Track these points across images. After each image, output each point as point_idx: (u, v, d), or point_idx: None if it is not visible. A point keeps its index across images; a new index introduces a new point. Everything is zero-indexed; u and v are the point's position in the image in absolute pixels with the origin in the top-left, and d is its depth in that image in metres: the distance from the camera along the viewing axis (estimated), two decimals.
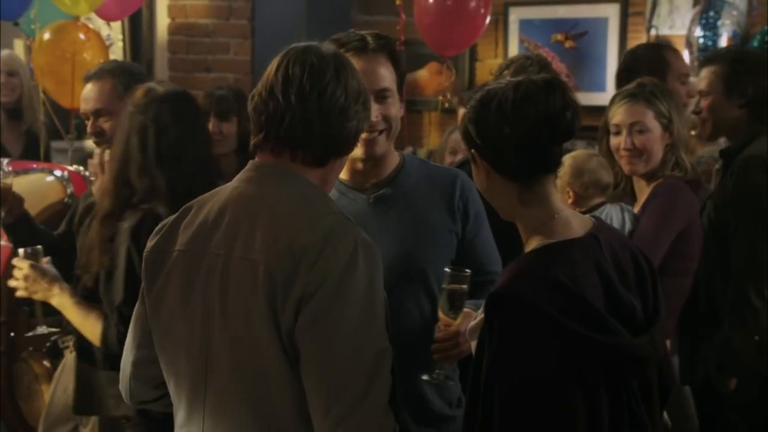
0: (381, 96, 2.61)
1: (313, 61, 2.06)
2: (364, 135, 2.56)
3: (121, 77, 3.39)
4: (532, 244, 2.15)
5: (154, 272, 2.10)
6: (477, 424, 2.06)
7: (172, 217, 2.14)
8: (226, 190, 2.10)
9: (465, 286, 2.49)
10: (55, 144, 5.34)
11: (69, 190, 4.10)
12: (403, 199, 2.70)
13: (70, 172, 4.16)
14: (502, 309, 2.03)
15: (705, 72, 3.74)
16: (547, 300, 2.00)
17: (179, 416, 2.12)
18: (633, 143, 3.36)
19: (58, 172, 4.15)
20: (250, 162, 2.11)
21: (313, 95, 2.04)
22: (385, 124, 2.62)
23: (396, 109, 2.64)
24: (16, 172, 4.20)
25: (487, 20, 4.57)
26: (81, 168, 4.29)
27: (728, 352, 3.40)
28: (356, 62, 2.56)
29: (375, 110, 2.57)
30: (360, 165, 2.68)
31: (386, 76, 2.61)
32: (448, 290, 2.50)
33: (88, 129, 3.40)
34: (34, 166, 4.38)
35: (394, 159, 2.74)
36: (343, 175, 2.69)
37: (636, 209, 3.49)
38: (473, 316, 2.42)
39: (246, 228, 1.99)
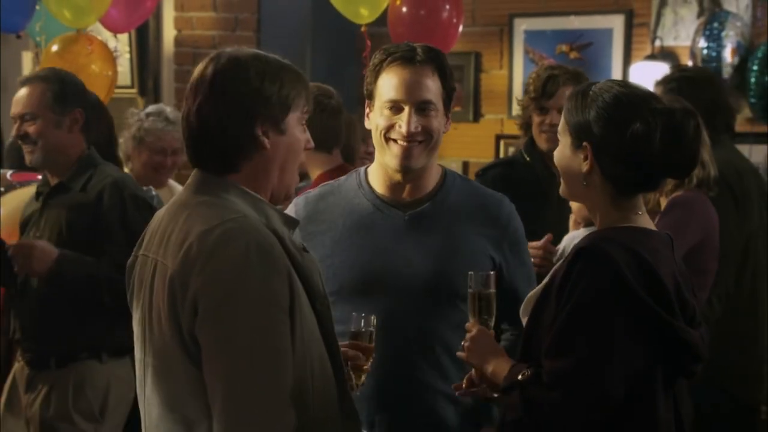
0: (422, 108, 2.60)
1: (197, 78, 2.13)
2: (397, 144, 2.61)
3: (52, 84, 3.46)
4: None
5: (128, 277, 2.22)
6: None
7: None
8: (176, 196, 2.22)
9: (492, 290, 2.45)
10: None
11: None
12: (440, 219, 2.67)
13: None
14: (586, 261, 2.10)
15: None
16: (630, 271, 2.09)
17: None
18: None
19: None
20: (194, 170, 2.19)
21: (192, 114, 2.11)
22: (423, 136, 2.60)
23: (438, 122, 2.63)
24: (20, 183, 4.23)
25: (460, 29, 4.57)
26: None
27: None
28: (401, 72, 2.61)
29: (414, 121, 2.59)
30: (397, 177, 2.66)
31: (431, 88, 2.61)
32: (474, 294, 2.45)
33: (14, 132, 3.51)
34: (38, 177, 4.39)
35: (435, 174, 2.72)
36: (381, 189, 2.69)
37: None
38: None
39: (169, 232, 2.08)
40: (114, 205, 3.40)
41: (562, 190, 2.31)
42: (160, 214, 2.19)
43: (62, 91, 3.47)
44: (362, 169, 2.78)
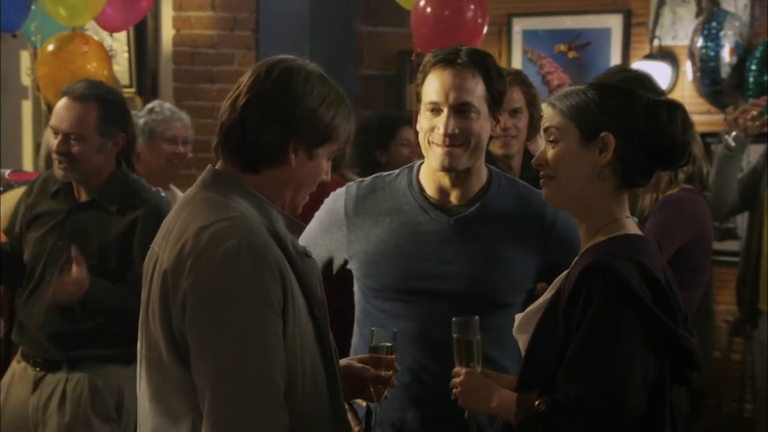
0: (460, 110, 2.60)
1: (260, 75, 2.11)
2: (437, 146, 2.60)
3: (104, 106, 3.42)
4: (602, 236, 2.21)
5: (144, 270, 2.20)
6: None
7: None
8: None
9: (476, 336, 2.42)
10: None
11: None
12: (485, 224, 2.67)
13: None
14: (594, 278, 2.09)
15: None
16: (637, 283, 2.08)
17: None
18: None
19: None
20: (208, 166, 2.18)
21: (240, 104, 2.09)
22: (462, 139, 2.59)
23: (480, 125, 2.61)
24: (18, 183, 4.24)
25: (485, 30, 4.56)
26: None
27: None
28: (442, 74, 2.61)
29: (452, 123, 2.58)
30: (443, 178, 2.66)
31: (471, 90, 2.60)
32: (459, 340, 2.42)
33: (55, 147, 3.42)
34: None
35: (481, 177, 2.71)
36: (430, 190, 2.70)
37: None
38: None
39: (172, 227, 2.08)
40: (147, 235, 3.40)
41: (551, 194, 2.27)
42: (173, 207, 2.20)
43: (111, 113, 3.45)
44: (416, 166, 2.77)
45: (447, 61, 2.61)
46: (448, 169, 2.62)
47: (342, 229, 2.73)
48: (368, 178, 2.80)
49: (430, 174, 2.70)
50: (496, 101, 2.66)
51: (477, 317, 2.45)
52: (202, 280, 1.98)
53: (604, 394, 2.05)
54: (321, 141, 2.13)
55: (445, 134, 2.58)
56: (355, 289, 2.78)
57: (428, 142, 2.63)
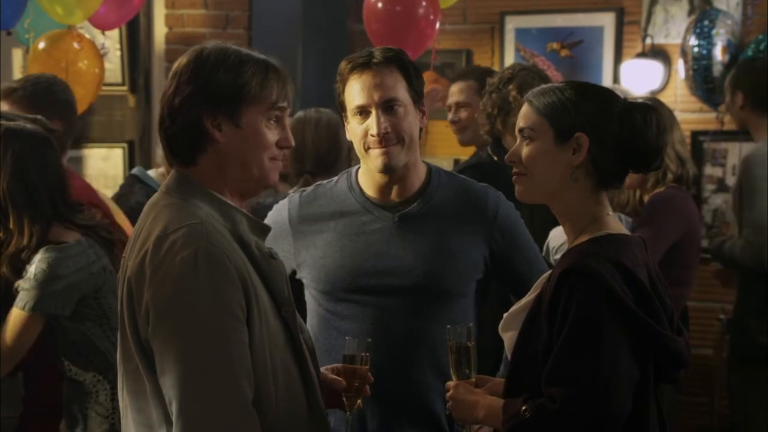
0: (388, 107, 2.63)
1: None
2: (374, 149, 2.60)
3: None
4: (586, 236, 2.21)
5: (118, 279, 2.19)
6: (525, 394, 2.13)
7: None
8: None
9: (472, 343, 2.42)
10: None
11: None
12: (428, 218, 2.70)
13: None
14: (573, 281, 2.09)
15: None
16: (618, 284, 2.08)
17: None
18: None
19: None
20: (172, 171, 2.18)
21: (163, 100, 2.11)
22: (396, 137, 2.63)
23: (409, 120, 2.65)
24: None
25: (437, 26, 4.54)
26: None
27: None
28: (361, 77, 2.64)
29: (383, 121, 2.61)
30: (382, 179, 2.69)
31: (393, 86, 2.63)
32: (453, 347, 2.42)
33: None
34: None
35: (420, 173, 2.75)
36: (370, 191, 2.73)
37: None
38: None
39: (137, 233, 2.08)
40: None
41: (524, 191, 2.27)
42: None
43: None
44: (353, 170, 2.80)
45: (363, 64, 2.65)
46: (388, 168, 2.65)
47: (288, 238, 2.75)
48: (310, 187, 2.84)
49: (369, 175, 2.73)
50: (418, 93, 2.70)
51: (471, 324, 2.46)
52: (161, 291, 1.97)
53: (588, 397, 2.05)
54: (234, 105, 2.09)
55: (379, 134, 2.61)
56: (307, 297, 2.80)
57: (364, 147, 2.66)
